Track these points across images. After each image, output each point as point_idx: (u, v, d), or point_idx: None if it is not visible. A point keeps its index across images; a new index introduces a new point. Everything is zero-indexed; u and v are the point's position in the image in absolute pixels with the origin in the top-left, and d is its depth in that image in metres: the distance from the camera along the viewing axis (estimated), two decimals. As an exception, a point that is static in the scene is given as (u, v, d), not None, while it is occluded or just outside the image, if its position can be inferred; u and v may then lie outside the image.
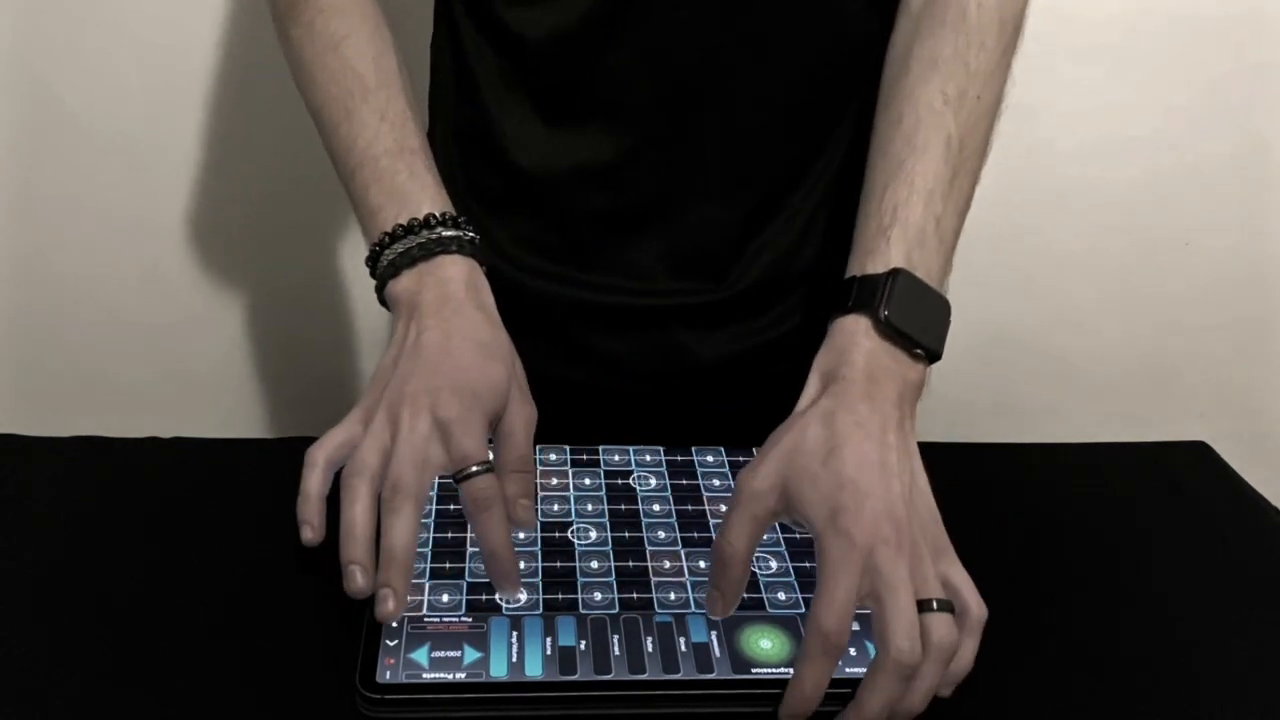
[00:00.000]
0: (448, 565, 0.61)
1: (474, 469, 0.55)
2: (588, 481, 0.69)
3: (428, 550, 0.62)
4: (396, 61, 0.69)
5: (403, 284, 0.61)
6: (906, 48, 0.66)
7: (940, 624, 0.50)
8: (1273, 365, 1.39)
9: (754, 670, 0.55)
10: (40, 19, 1.08)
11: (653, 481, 0.69)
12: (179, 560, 0.63)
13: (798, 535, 0.62)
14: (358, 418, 0.58)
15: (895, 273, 0.58)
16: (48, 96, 1.11)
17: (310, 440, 0.76)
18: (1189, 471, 0.80)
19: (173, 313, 1.22)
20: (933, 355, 0.59)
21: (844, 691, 0.52)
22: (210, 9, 1.08)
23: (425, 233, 0.62)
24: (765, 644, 0.57)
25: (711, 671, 0.55)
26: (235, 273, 1.21)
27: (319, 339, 1.27)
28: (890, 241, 0.60)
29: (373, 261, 0.63)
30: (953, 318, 0.62)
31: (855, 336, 0.58)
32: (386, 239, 0.62)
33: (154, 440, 0.74)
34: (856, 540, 0.50)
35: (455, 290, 0.61)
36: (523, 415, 0.59)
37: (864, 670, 0.55)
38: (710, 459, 0.72)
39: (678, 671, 0.55)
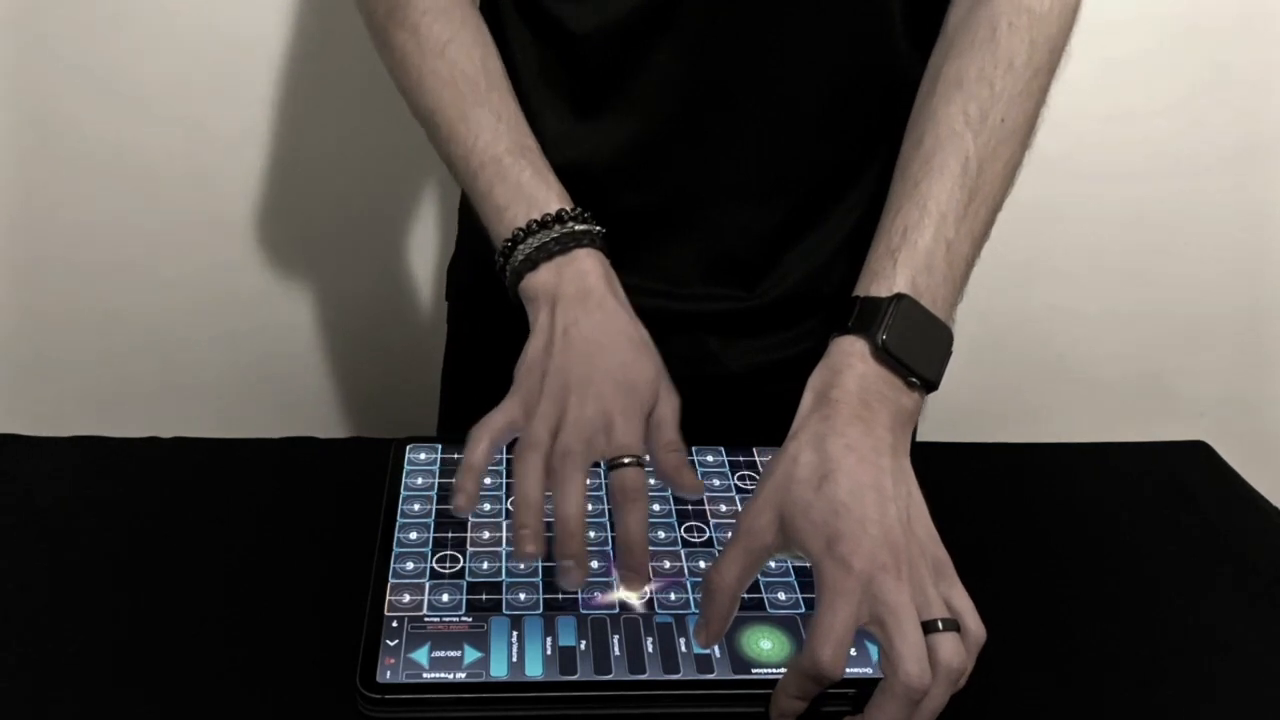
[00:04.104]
0: (448, 565, 0.61)
1: (627, 460, 0.57)
2: (588, 481, 0.69)
3: (428, 550, 0.62)
4: (499, 62, 0.70)
5: (541, 278, 0.63)
6: (938, 67, 0.66)
7: (947, 644, 0.50)
8: (1273, 365, 1.39)
9: (754, 671, 0.55)
10: (56, 18, 1.08)
11: (653, 481, 0.69)
12: (179, 560, 0.63)
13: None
14: (517, 403, 0.59)
15: (898, 298, 0.58)
16: (52, 98, 1.11)
17: (311, 441, 0.77)
18: (1189, 471, 0.80)
19: (173, 313, 1.22)
20: (929, 385, 0.58)
21: (846, 691, 0.52)
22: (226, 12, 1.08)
23: (558, 228, 0.63)
24: (765, 644, 0.57)
25: (712, 672, 0.55)
26: (235, 273, 1.21)
27: (320, 340, 1.27)
28: (897, 264, 0.60)
29: (504, 257, 0.64)
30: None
31: (850, 358, 0.58)
32: (520, 234, 0.64)
33: (154, 440, 0.74)
34: (854, 568, 0.50)
35: (595, 283, 0.62)
36: (671, 405, 0.61)
37: (865, 670, 0.55)
38: (710, 459, 0.72)
39: (678, 672, 0.55)
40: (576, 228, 0.64)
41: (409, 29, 0.69)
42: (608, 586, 0.60)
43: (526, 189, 0.65)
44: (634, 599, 0.59)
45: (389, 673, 0.53)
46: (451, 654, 0.55)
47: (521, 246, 0.63)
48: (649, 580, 0.56)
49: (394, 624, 0.56)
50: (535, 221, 0.64)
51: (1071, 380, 1.37)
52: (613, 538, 0.64)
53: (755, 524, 0.54)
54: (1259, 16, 1.18)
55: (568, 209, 0.64)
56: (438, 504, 0.65)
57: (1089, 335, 1.34)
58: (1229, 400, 1.39)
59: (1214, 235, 1.29)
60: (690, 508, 0.67)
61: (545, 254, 0.63)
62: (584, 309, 0.61)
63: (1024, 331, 1.33)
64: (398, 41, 0.70)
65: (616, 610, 0.58)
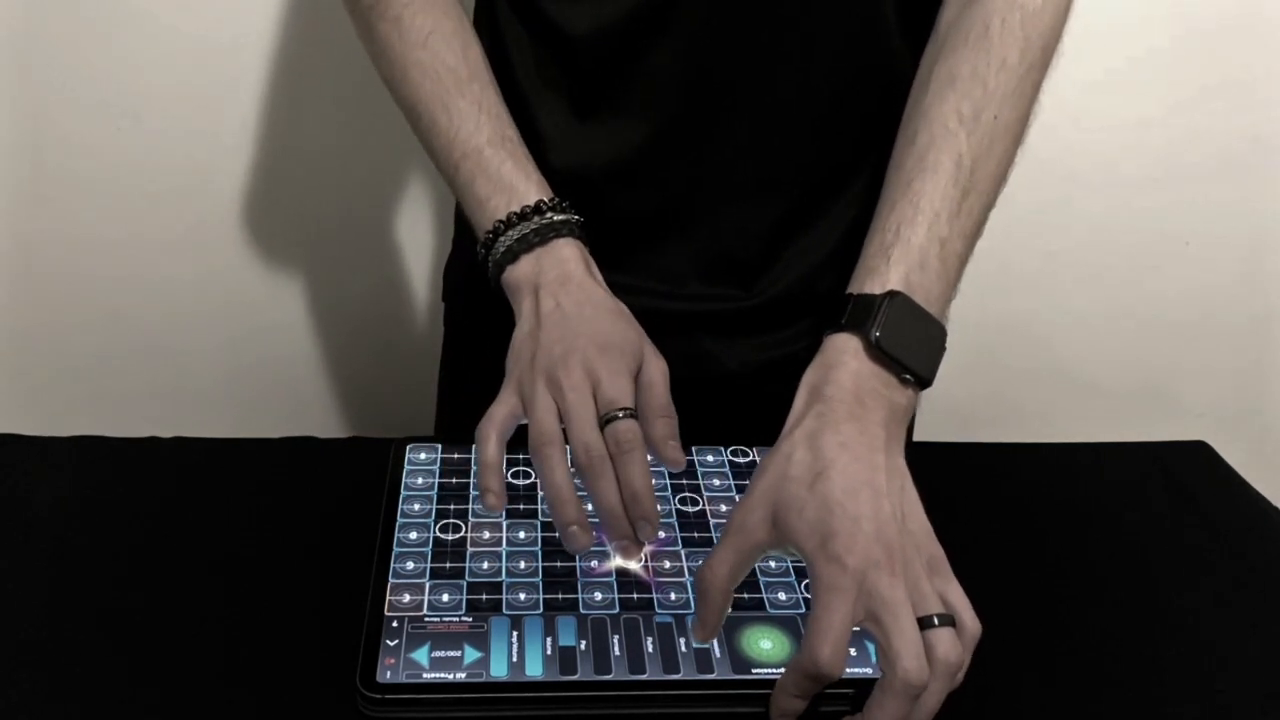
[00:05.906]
0: (448, 565, 0.61)
1: (619, 414, 0.57)
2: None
3: (428, 550, 0.62)
4: (481, 52, 0.71)
5: (522, 268, 0.64)
6: (930, 65, 0.66)
7: (944, 639, 0.50)
8: (1273, 365, 1.39)
9: (754, 670, 0.55)
10: (53, 26, 1.08)
11: (653, 481, 0.69)
12: (179, 560, 0.63)
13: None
14: (512, 390, 0.61)
15: (891, 295, 0.58)
16: (50, 105, 1.11)
17: (311, 441, 0.77)
18: (1189, 471, 0.80)
19: (172, 314, 1.22)
20: (923, 382, 0.58)
21: (845, 691, 0.52)
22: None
23: (537, 219, 0.65)
24: (765, 644, 0.57)
25: (711, 672, 0.55)
26: (235, 274, 1.21)
27: (319, 340, 1.27)
28: (890, 262, 0.60)
29: (486, 249, 0.66)
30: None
31: (844, 356, 0.58)
32: (501, 226, 0.65)
33: (154, 440, 0.74)
34: (849, 565, 0.50)
35: (574, 268, 0.64)
36: (658, 367, 0.62)
37: (864, 670, 0.55)
38: (710, 459, 0.72)
39: (678, 672, 0.55)
40: (555, 218, 0.65)
41: (391, 20, 0.70)
42: (608, 587, 0.60)
43: (507, 180, 0.66)
44: (633, 564, 0.60)
45: (389, 673, 0.53)
46: (451, 654, 0.55)
47: (502, 238, 0.65)
48: (656, 533, 0.57)
49: (394, 624, 0.56)
50: (515, 213, 0.65)
51: (1072, 382, 1.37)
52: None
53: (747, 521, 0.54)
54: (1261, 19, 1.18)
55: (546, 199, 0.66)
56: (437, 504, 0.65)
57: (1089, 337, 1.34)
58: (1229, 401, 1.39)
59: (1214, 237, 1.29)
60: (690, 508, 0.67)
61: (525, 245, 0.64)
62: (564, 291, 0.63)
63: (1025, 334, 1.33)
64: (381, 32, 0.71)
65: (617, 611, 0.58)
